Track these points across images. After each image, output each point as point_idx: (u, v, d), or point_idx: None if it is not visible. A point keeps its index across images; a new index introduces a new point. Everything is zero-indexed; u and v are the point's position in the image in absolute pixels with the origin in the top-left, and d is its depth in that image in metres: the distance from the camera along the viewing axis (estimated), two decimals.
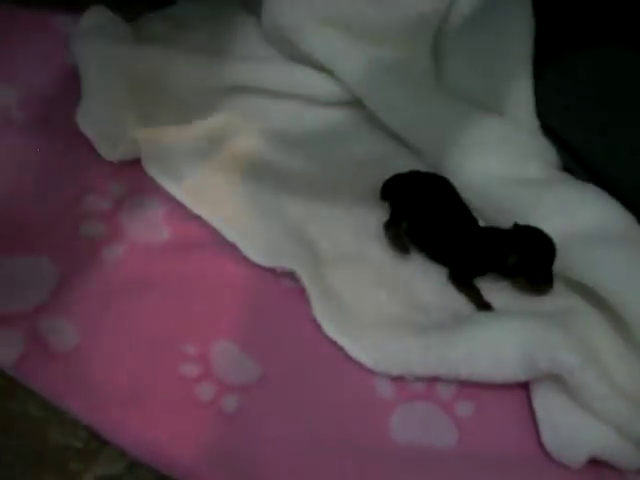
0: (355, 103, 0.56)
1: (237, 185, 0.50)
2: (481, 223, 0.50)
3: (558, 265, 0.46)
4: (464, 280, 0.48)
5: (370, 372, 0.43)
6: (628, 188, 0.50)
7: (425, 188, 0.50)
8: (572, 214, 0.49)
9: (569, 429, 0.41)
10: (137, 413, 0.40)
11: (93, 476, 0.38)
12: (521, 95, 0.54)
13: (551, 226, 0.48)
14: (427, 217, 0.49)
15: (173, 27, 0.58)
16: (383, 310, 0.45)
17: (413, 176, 0.51)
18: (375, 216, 0.50)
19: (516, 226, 0.47)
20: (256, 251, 0.46)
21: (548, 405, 0.42)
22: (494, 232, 0.48)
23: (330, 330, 0.43)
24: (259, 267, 0.46)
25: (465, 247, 0.48)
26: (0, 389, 0.40)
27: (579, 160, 0.53)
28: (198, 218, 0.48)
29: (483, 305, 0.46)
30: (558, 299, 0.46)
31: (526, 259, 0.46)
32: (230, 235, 0.47)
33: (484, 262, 0.48)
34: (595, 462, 0.41)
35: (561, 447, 0.41)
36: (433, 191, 0.50)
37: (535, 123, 0.54)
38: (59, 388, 0.40)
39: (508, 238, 0.47)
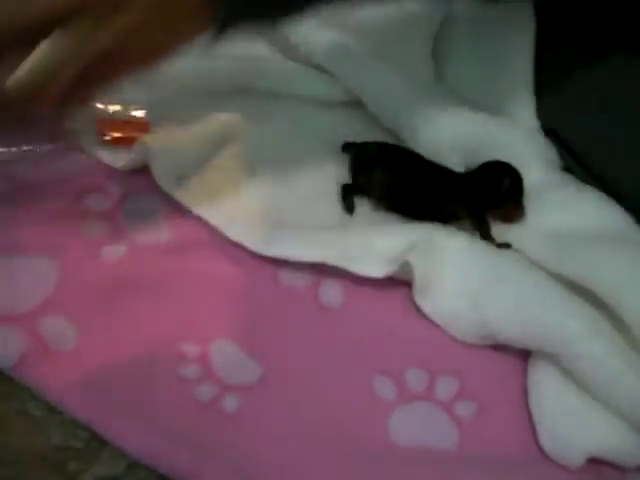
0: (355, 103, 0.56)
1: (237, 185, 0.50)
2: None
3: (558, 267, 0.46)
4: (480, 216, 0.49)
5: (370, 373, 0.44)
6: (628, 189, 0.50)
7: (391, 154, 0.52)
8: (571, 215, 0.49)
9: (567, 429, 0.42)
10: (137, 413, 0.40)
11: (93, 476, 0.38)
12: (522, 96, 0.54)
13: (550, 227, 0.48)
14: (408, 173, 0.51)
15: None
16: None
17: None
18: (381, 217, 0.51)
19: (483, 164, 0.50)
20: (260, 245, 0.46)
21: (545, 406, 0.43)
22: (477, 169, 0.50)
23: None
24: (259, 267, 0.46)
25: (461, 186, 0.50)
26: (0, 389, 0.40)
27: (579, 161, 0.53)
28: (198, 218, 0.48)
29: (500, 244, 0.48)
30: None
31: (515, 182, 0.49)
32: (231, 234, 0.47)
33: (482, 195, 0.49)
34: (595, 461, 0.41)
35: (559, 448, 0.41)
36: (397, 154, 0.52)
37: (535, 124, 0.54)
38: (59, 388, 0.40)
39: (494, 168, 0.50)
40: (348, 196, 0.51)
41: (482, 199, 0.49)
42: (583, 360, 0.41)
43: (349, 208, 0.51)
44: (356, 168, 0.52)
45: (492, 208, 0.49)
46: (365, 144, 0.53)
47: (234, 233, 0.47)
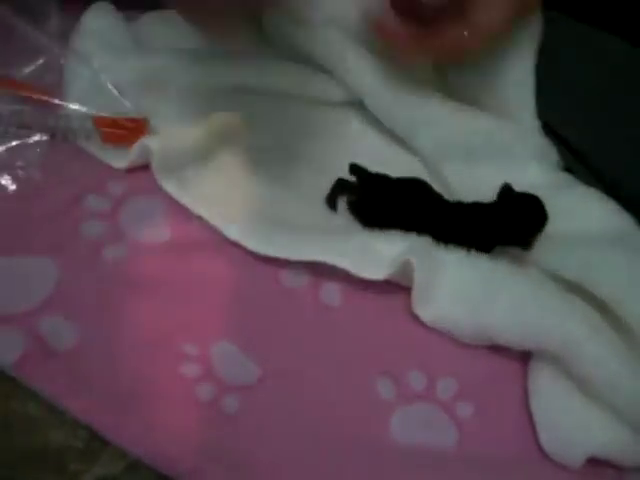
0: (356, 104, 0.56)
1: (237, 185, 0.50)
2: None
3: (558, 268, 0.46)
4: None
5: (370, 373, 0.44)
6: (629, 189, 0.50)
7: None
8: (571, 216, 0.48)
9: (567, 430, 0.42)
10: (137, 413, 0.40)
11: (93, 476, 0.38)
12: (522, 95, 0.54)
13: (550, 227, 0.48)
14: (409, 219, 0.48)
15: (173, 27, 0.58)
16: None
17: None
18: None
19: (510, 196, 0.47)
20: (261, 245, 0.46)
21: (545, 406, 0.43)
22: (494, 208, 0.48)
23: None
24: (259, 267, 0.46)
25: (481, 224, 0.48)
26: (0, 389, 0.40)
27: (580, 161, 0.53)
28: (198, 218, 0.48)
29: None
30: None
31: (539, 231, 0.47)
32: (231, 234, 0.47)
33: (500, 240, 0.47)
34: (595, 461, 0.41)
35: (559, 448, 0.41)
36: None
37: (536, 123, 0.54)
38: (59, 388, 0.40)
39: (523, 213, 0.47)
40: (333, 195, 0.50)
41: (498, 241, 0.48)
42: (583, 361, 0.41)
43: (333, 206, 0.50)
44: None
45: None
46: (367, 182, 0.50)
47: (234, 233, 0.47)
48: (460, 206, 0.49)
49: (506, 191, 0.48)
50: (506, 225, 0.47)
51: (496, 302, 0.44)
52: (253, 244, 0.46)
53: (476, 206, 0.48)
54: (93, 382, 0.40)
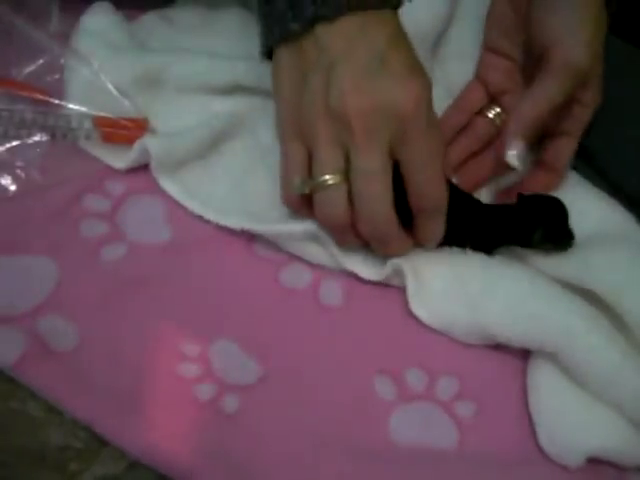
0: None
1: (238, 185, 0.50)
2: None
3: (557, 267, 0.46)
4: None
5: (370, 373, 0.44)
6: (630, 188, 0.50)
7: None
8: (571, 215, 0.48)
9: (566, 429, 0.42)
10: (137, 413, 0.40)
11: (93, 476, 0.38)
12: None
13: None
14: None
15: (173, 27, 0.58)
16: None
17: None
18: None
19: (522, 197, 0.46)
20: (263, 225, 0.46)
21: (545, 406, 0.43)
22: (508, 209, 0.47)
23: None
24: (260, 267, 0.47)
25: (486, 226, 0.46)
26: (0, 389, 0.40)
27: (585, 159, 0.53)
28: (198, 218, 0.48)
29: None
30: None
31: (550, 229, 0.45)
32: (232, 224, 0.47)
33: (509, 240, 0.46)
34: (595, 461, 0.41)
35: (558, 448, 0.41)
36: None
37: None
38: (59, 388, 0.40)
39: (526, 213, 0.46)
40: None
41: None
42: (584, 354, 0.41)
43: None
44: None
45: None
46: None
47: (235, 223, 0.47)
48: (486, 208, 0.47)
49: (523, 198, 0.47)
50: (537, 225, 0.45)
51: (495, 298, 0.44)
52: (253, 225, 0.46)
53: (502, 208, 0.47)
54: (93, 382, 0.40)
